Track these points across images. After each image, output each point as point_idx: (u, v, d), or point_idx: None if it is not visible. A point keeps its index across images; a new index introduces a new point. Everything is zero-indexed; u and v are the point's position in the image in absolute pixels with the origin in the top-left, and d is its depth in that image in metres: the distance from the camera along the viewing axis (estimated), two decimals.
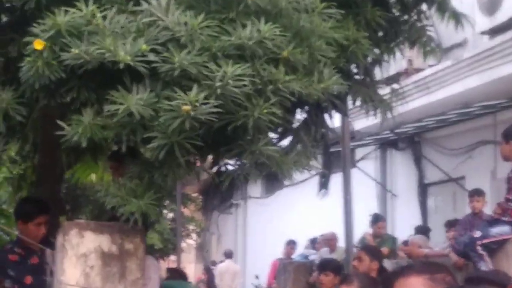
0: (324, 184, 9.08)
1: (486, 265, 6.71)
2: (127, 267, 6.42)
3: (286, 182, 7.71)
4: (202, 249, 27.76)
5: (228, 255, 23.44)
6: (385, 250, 12.74)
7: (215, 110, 5.47)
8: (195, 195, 19.41)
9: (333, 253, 14.69)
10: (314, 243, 16.67)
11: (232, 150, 6.28)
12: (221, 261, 23.49)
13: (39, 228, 7.32)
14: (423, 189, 16.40)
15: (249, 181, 7.40)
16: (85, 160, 10.03)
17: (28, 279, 7.46)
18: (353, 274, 7.15)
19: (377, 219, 14.66)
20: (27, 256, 7.47)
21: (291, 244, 18.39)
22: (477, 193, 11.55)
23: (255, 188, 20.58)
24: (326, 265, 9.99)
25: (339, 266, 10.19)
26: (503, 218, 7.03)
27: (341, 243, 13.86)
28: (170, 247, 20.14)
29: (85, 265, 6.30)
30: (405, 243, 13.34)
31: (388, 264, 9.78)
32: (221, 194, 8.12)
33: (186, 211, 22.99)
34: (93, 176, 11.95)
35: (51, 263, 6.74)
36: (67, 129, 5.75)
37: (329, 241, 15.87)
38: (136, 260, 6.50)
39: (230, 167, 7.34)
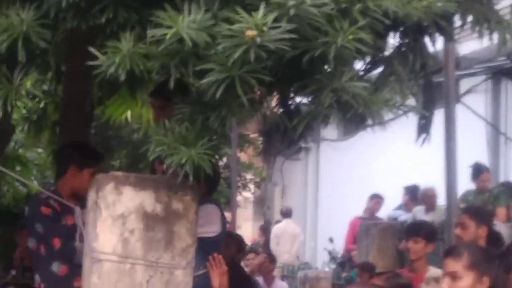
0: (425, 127, 8.95)
1: None
2: (175, 232, 6.48)
3: (371, 123, 7.60)
4: (262, 204, 27.80)
5: (286, 213, 23.26)
6: (501, 210, 12.64)
7: (287, 36, 5.45)
8: (254, 136, 19.20)
9: (431, 213, 14.62)
10: (413, 196, 16.36)
11: (307, 86, 6.27)
12: (278, 221, 23.43)
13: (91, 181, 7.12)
14: None
15: (326, 122, 7.37)
16: (121, 96, 10.07)
17: (57, 242, 7.52)
18: (462, 245, 7.06)
19: (479, 171, 14.58)
20: (63, 213, 7.54)
21: (376, 198, 18.10)
22: None
23: (330, 129, 20.21)
24: (417, 229, 9.95)
25: (432, 231, 10.13)
26: None
27: (441, 200, 13.87)
28: (223, 201, 20.04)
29: (124, 228, 6.35)
30: None
31: (502, 229, 9.68)
32: (288, 136, 8.06)
33: (243, 156, 22.84)
34: (128, 114, 11.95)
35: (81, 226, 6.80)
36: (101, 58, 5.79)
37: (426, 196, 15.81)
38: (187, 223, 6.53)
39: (303, 107, 7.35)
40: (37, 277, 7.80)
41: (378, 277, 6.99)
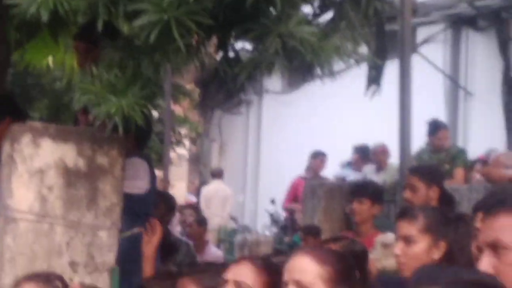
0: (375, 78, 9.05)
1: None
2: (99, 189, 6.46)
3: (318, 74, 7.70)
4: (198, 162, 27.88)
5: (216, 174, 23.33)
6: (459, 171, 12.81)
7: None
8: (190, 86, 19.19)
9: (381, 172, 14.80)
10: (363, 155, 16.52)
11: (251, 30, 6.30)
12: (207, 184, 23.56)
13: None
14: (510, 85, 16.42)
15: (271, 72, 7.42)
16: (41, 37, 10.02)
17: None
18: (417, 207, 7.06)
19: (436, 127, 14.77)
20: None
21: (320, 156, 18.24)
22: None
23: (274, 80, 20.20)
24: (362, 189, 10.03)
25: (379, 190, 10.21)
26: None
27: (394, 159, 14.04)
28: (155, 157, 19.92)
29: (42, 185, 6.32)
30: (484, 161, 13.42)
31: (460, 191, 9.80)
32: (227, 86, 8.09)
33: (178, 109, 22.78)
34: (50, 60, 11.88)
35: None
36: None
37: (377, 154, 15.99)
38: (112, 179, 6.52)
39: (246, 53, 7.37)
40: None
41: (334, 243, 7.02)
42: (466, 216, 6.06)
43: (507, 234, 3.19)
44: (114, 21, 5.88)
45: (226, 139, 25.63)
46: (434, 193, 8.68)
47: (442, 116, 15.95)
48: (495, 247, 3.39)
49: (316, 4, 7.23)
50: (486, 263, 3.29)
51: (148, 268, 7.01)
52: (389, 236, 7.91)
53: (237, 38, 6.93)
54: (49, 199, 6.33)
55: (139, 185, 7.44)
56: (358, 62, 8.09)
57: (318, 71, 7.48)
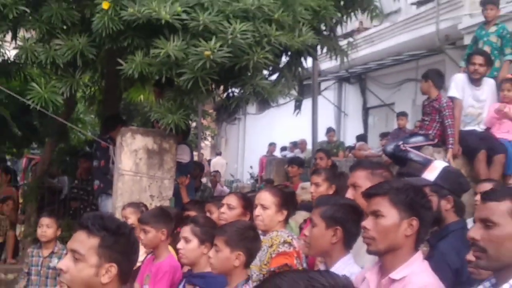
0: (298, 106, 9.06)
1: (415, 154, 6.69)
2: (164, 160, 6.49)
3: (273, 104, 7.75)
4: (214, 148, 27.81)
5: (219, 153, 23.92)
6: (341, 153, 12.81)
7: (227, 54, 5.47)
8: (211, 111, 19.27)
9: (304, 153, 14.77)
10: (295, 145, 16.62)
11: (237, 82, 6.31)
12: (214, 158, 23.90)
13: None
14: (366, 111, 16.44)
15: (248, 103, 7.42)
16: (137, 86, 10.01)
17: (103, 162, 7.55)
18: (321, 168, 7.01)
19: (329, 130, 14.80)
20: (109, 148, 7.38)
21: (272, 145, 18.29)
22: (402, 114, 11.66)
23: (251, 107, 20.14)
24: (293, 160, 10.02)
25: (301, 161, 10.20)
26: (420, 132, 7.08)
27: (309, 146, 14.03)
28: (193, 146, 20.24)
29: (136, 157, 6.37)
30: (352, 148, 13.43)
31: (342, 164, 9.78)
32: (228, 111, 8.09)
33: (204, 122, 22.89)
34: (141, 97, 11.91)
35: (113, 155, 6.79)
36: (124, 65, 5.79)
37: (301, 144, 16.02)
38: (170, 155, 6.56)
39: (235, 94, 7.38)
40: (96, 182, 7.75)
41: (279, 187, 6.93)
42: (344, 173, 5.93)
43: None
44: (171, 76, 5.87)
45: (228, 137, 25.56)
46: (330, 162, 8.58)
47: (332, 125, 15.93)
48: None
49: (270, 69, 7.25)
50: None
51: (185, 198, 6.99)
52: (306, 184, 7.79)
53: (231, 86, 6.92)
54: (139, 164, 6.36)
55: (184, 158, 7.39)
56: (290, 98, 8.06)
57: (271, 103, 7.50)
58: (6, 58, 7.43)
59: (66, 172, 10.44)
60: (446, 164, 4.26)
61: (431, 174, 3.75)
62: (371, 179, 3.40)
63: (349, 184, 3.63)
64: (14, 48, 6.70)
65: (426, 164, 4.65)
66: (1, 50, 6.67)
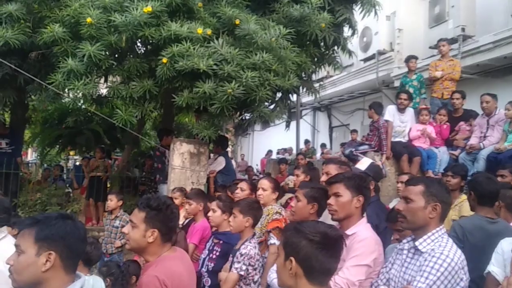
0: (287, 125, 9.01)
1: (361, 157, 6.68)
2: (200, 159, 6.42)
3: (271, 124, 7.70)
4: (233, 153, 27.65)
5: (242, 157, 23.78)
6: (313, 157, 12.74)
7: (242, 92, 5.48)
8: (231, 128, 19.14)
9: (290, 156, 14.68)
10: (285, 151, 16.46)
11: (248, 110, 6.31)
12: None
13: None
14: (331, 129, 16.36)
15: (255, 123, 7.39)
16: (183, 112, 9.94)
17: (159, 165, 7.40)
18: (300, 165, 7.01)
19: (306, 142, 14.76)
20: (164, 153, 7.32)
21: (269, 152, 18.04)
22: (354, 131, 11.70)
23: (257, 126, 20.02)
24: (282, 160, 9.99)
25: (287, 160, 10.15)
26: (365, 142, 7.05)
27: (294, 151, 13.98)
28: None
29: (183, 157, 6.31)
30: (322, 154, 13.40)
31: (316, 162, 9.74)
32: (243, 128, 8.06)
33: (227, 135, 22.82)
34: (186, 119, 11.80)
35: (168, 156, 6.76)
36: (176, 98, 5.80)
37: (289, 150, 15.91)
38: (205, 156, 6.48)
39: (247, 117, 7.36)
40: (157, 176, 7.58)
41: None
42: (316, 168, 5.88)
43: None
44: (206, 106, 5.85)
45: (243, 145, 25.36)
46: (305, 162, 8.57)
47: (309, 138, 15.88)
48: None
49: (269, 101, 7.24)
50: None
51: (211, 184, 6.94)
52: (291, 177, 7.65)
53: (245, 112, 6.91)
54: (185, 162, 6.28)
55: (221, 167, 7.29)
56: (282, 120, 8.04)
57: (270, 123, 7.48)
58: (100, 94, 7.46)
59: (137, 167, 10.46)
60: (372, 160, 4.53)
61: (362, 166, 4.02)
62: (339, 170, 3.41)
63: (323, 172, 3.63)
64: (106, 87, 6.71)
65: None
66: (98, 89, 6.69)
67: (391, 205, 4.96)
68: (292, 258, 1.68)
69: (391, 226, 3.38)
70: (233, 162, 15.61)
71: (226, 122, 9.38)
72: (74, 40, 5.57)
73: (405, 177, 4.84)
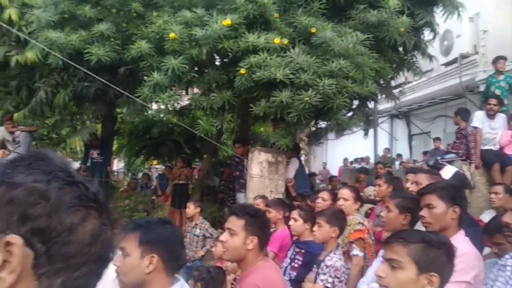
0: (366, 134, 8.71)
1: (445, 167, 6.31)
2: (278, 168, 6.36)
3: (346, 133, 7.51)
4: (306, 163, 27.40)
5: (324, 165, 23.42)
6: (393, 167, 12.27)
7: (319, 100, 5.38)
8: (305, 138, 19.02)
9: (367, 165, 14.21)
10: (362, 160, 15.72)
11: (325, 118, 6.19)
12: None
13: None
14: (410, 137, 15.65)
15: (332, 131, 7.23)
16: (259, 122, 10.01)
17: (237, 173, 7.40)
18: (382, 174, 6.69)
19: (385, 150, 14.24)
20: (241, 162, 7.34)
21: (345, 160, 17.66)
22: (437, 139, 11.12)
23: (330, 135, 19.78)
24: (361, 170, 9.67)
25: (367, 170, 9.81)
26: (452, 151, 6.62)
27: (371, 160, 13.55)
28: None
29: (261, 166, 6.29)
30: (401, 162, 12.84)
31: (395, 172, 9.33)
32: (318, 137, 7.94)
33: (301, 144, 22.66)
34: (262, 129, 11.87)
35: (246, 165, 6.79)
36: (254, 108, 5.81)
37: (366, 159, 15.46)
38: (282, 164, 6.41)
39: (321, 126, 7.23)
40: (236, 185, 7.55)
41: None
42: (398, 177, 5.58)
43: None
44: (283, 115, 5.77)
45: (316, 154, 25.08)
46: (385, 171, 8.21)
47: (386, 146, 15.33)
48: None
49: (346, 109, 7.03)
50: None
51: (292, 193, 6.83)
52: (370, 188, 7.40)
53: (321, 120, 6.79)
54: (263, 171, 6.25)
55: (296, 168, 7.20)
56: (358, 128, 7.79)
57: (347, 132, 7.29)
58: (182, 105, 7.70)
59: (216, 176, 10.65)
60: (456, 169, 4.32)
61: (446, 174, 3.81)
62: (430, 179, 3.21)
63: (412, 182, 3.45)
64: (188, 99, 6.90)
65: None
66: (179, 101, 6.90)
67: (482, 217, 4.59)
68: (436, 275, 1.54)
69: (489, 239, 3.09)
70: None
71: (302, 131, 9.27)
72: (159, 55, 5.79)
73: (499, 188, 4.46)
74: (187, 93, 7.08)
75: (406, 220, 2.88)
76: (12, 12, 6.92)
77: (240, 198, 7.10)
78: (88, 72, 5.85)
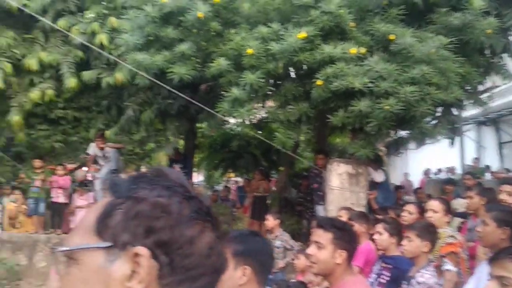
0: (451, 143, 8.26)
1: None
2: (359, 179, 6.22)
3: (429, 141, 7.14)
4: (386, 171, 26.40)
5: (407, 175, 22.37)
6: (482, 178, 11.46)
7: (401, 108, 5.21)
8: (383, 148, 18.40)
9: (453, 175, 13.41)
10: (447, 170, 14.93)
11: (408, 126, 5.98)
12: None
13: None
14: (500, 145, 14.54)
15: (414, 141, 6.92)
16: (335, 133, 9.83)
17: (316, 185, 7.29)
18: (472, 187, 6.23)
19: (475, 159, 13.41)
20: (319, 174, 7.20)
21: (427, 170, 16.76)
22: None
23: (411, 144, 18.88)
24: (449, 181, 9.09)
25: (455, 181, 9.21)
26: None
27: (457, 171, 12.81)
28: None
29: (341, 178, 6.19)
30: (493, 172, 11.95)
31: (486, 183, 8.69)
32: (396, 146, 7.67)
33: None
34: (337, 140, 11.60)
35: (325, 176, 6.70)
36: (332, 119, 5.76)
37: (451, 170, 14.54)
38: (363, 177, 6.27)
39: (404, 135, 6.96)
40: (315, 196, 7.39)
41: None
42: (492, 188, 5.16)
43: None
44: (361, 125, 5.66)
45: (395, 163, 24.09)
46: (475, 182, 7.69)
47: (473, 155, 14.38)
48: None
49: (431, 117, 6.68)
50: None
51: (373, 205, 6.60)
52: (458, 200, 6.94)
53: (402, 129, 6.55)
54: (343, 183, 6.15)
55: (377, 178, 6.96)
56: (443, 136, 7.37)
57: (430, 140, 6.96)
58: (259, 118, 7.79)
59: (294, 187, 10.62)
60: None
61: None
62: None
63: (509, 193, 3.20)
64: (265, 112, 6.98)
65: None
66: (256, 114, 6.96)
67: None
68: None
69: None
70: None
71: (382, 141, 8.95)
72: (237, 70, 5.95)
73: None
74: (263, 106, 7.17)
75: (505, 234, 2.67)
76: (103, 37, 7.50)
77: (320, 210, 7.01)
78: (172, 90, 6.14)
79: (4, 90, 8.04)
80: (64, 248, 0.70)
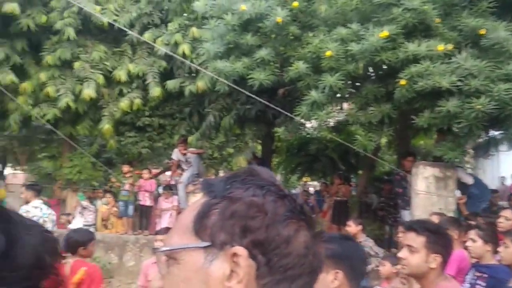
0: None
1: None
2: (447, 183, 5.91)
3: None
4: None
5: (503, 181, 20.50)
6: None
7: (494, 107, 4.90)
8: (470, 150, 17.10)
9: None
10: None
11: (502, 126, 5.59)
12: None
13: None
14: None
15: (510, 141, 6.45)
16: (419, 135, 9.39)
17: (400, 190, 6.89)
18: None
19: None
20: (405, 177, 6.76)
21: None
22: None
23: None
24: None
25: None
26: None
27: None
28: None
29: (427, 181, 5.90)
30: None
31: None
32: (486, 148, 7.21)
33: (466, 157, 20.35)
34: (421, 142, 11.08)
35: (409, 181, 6.43)
36: (416, 120, 5.55)
37: None
38: (452, 180, 5.95)
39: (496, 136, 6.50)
40: (399, 201, 7.09)
41: None
42: None
43: None
44: (450, 126, 5.39)
45: (485, 167, 22.53)
46: None
47: None
48: None
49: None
50: None
51: (463, 211, 6.21)
52: None
53: (495, 129, 6.12)
54: (430, 186, 5.85)
55: (468, 181, 6.50)
56: None
57: None
58: (337, 120, 7.69)
59: (375, 192, 10.32)
60: None
61: None
62: None
63: None
64: (345, 115, 6.88)
65: None
66: (335, 117, 6.89)
67: None
68: None
69: None
70: None
71: (473, 142, 8.40)
72: (316, 73, 5.94)
73: None
74: (341, 108, 7.07)
75: None
76: (185, 48, 7.88)
77: (405, 215, 6.75)
78: (251, 95, 6.27)
79: (96, 100, 8.72)
80: (166, 248, 0.71)
